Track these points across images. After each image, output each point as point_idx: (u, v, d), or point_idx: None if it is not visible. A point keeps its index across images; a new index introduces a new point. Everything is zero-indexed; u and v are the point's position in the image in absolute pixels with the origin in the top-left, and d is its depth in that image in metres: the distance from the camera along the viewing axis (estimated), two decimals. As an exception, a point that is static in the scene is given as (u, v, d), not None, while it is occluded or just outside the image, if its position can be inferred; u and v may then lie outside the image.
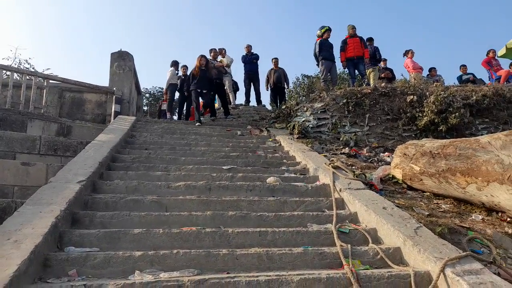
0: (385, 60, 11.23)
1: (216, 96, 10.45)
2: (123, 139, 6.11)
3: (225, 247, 2.97)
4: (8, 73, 8.69)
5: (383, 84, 8.53)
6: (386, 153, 6.52)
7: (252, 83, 11.54)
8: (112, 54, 9.49)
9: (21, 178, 5.05)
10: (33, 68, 17.72)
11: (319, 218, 3.66)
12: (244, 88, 11.72)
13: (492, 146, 4.03)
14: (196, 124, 8.14)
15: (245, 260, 2.77)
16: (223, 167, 5.12)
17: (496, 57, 10.29)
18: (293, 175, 5.06)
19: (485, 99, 7.46)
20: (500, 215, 3.94)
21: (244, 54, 11.39)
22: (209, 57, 10.13)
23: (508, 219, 3.86)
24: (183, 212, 3.52)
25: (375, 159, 6.25)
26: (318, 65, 9.84)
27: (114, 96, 8.90)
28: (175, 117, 12.12)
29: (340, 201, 4.08)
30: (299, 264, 2.81)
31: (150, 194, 3.92)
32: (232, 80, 12.04)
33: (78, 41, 51.16)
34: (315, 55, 9.70)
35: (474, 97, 7.44)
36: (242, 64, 11.47)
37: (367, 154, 6.51)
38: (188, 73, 9.52)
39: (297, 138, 7.10)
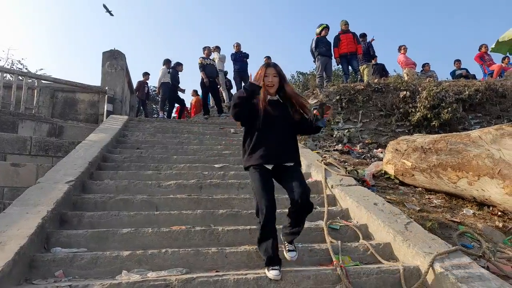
0: (375, 56, 11.17)
1: (210, 94, 10.41)
2: (115, 138, 6.06)
3: (215, 245, 2.95)
4: (-1, 73, 8.60)
5: (376, 80, 8.53)
6: (379, 149, 6.52)
7: (242, 81, 11.51)
8: (104, 53, 9.41)
9: (11, 179, 5.01)
10: (26, 68, 17.61)
11: (310, 215, 3.62)
12: (236, 86, 11.69)
13: (482, 141, 4.03)
14: None
15: (235, 258, 2.75)
16: (215, 165, 5.10)
17: (488, 52, 10.31)
18: (285, 172, 5.04)
19: (478, 94, 7.49)
20: (491, 209, 3.94)
21: (234, 52, 11.33)
22: (202, 55, 10.10)
23: (499, 213, 3.86)
24: (173, 211, 3.50)
25: (368, 155, 6.24)
26: (314, 61, 9.82)
27: (106, 96, 8.83)
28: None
29: (332, 198, 4.07)
30: (290, 261, 2.80)
31: (140, 194, 3.89)
32: (226, 77, 12.00)
33: (71, 41, 50.80)
34: (311, 51, 9.68)
35: (467, 92, 7.45)
36: (231, 63, 11.39)
37: (360, 151, 6.50)
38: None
39: (290, 135, 7.07)
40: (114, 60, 9.36)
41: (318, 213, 3.66)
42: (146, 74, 11.79)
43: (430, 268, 2.50)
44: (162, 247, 2.84)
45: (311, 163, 5.01)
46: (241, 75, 11.30)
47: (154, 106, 21.37)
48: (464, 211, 3.94)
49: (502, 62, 10.30)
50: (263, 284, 2.39)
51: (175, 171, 4.73)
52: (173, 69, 10.57)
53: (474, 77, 10.45)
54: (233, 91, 12.39)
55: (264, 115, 2.67)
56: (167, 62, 10.54)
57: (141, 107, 11.87)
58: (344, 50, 9.61)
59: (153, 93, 20.06)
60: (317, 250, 2.92)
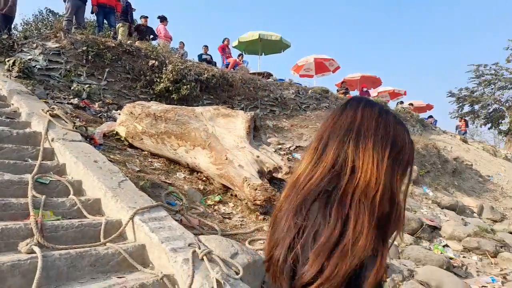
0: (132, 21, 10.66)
1: None
2: None
3: None
4: None
5: (129, 42, 8.39)
6: (118, 111, 6.47)
7: None
8: None
9: None
10: None
11: (16, 168, 3.23)
12: None
13: (203, 117, 4.70)
14: None
15: None
16: None
17: (229, 46, 12.05)
18: (-4, 117, 4.23)
19: (214, 79, 8.62)
20: (198, 174, 4.67)
21: None
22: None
23: (204, 178, 4.63)
24: None
25: (105, 115, 6.10)
26: (65, 1, 8.63)
27: None
28: None
29: (50, 152, 3.74)
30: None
31: None
32: None
33: None
34: None
35: (205, 75, 8.45)
36: None
37: (98, 109, 6.26)
38: None
39: (16, 76, 5.97)
40: None
41: (27, 166, 3.29)
42: None
43: (131, 221, 2.72)
44: None
45: (33, 111, 4.42)
46: None
47: None
48: (177, 175, 4.49)
49: (238, 58, 12.26)
50: None
51: None
52: None
53: (215, 64, 11.97)
54: None
55: None
56: None
57: None
58: (104, 1, 9.02)
59: None
60: (14, 204, 2.62)
